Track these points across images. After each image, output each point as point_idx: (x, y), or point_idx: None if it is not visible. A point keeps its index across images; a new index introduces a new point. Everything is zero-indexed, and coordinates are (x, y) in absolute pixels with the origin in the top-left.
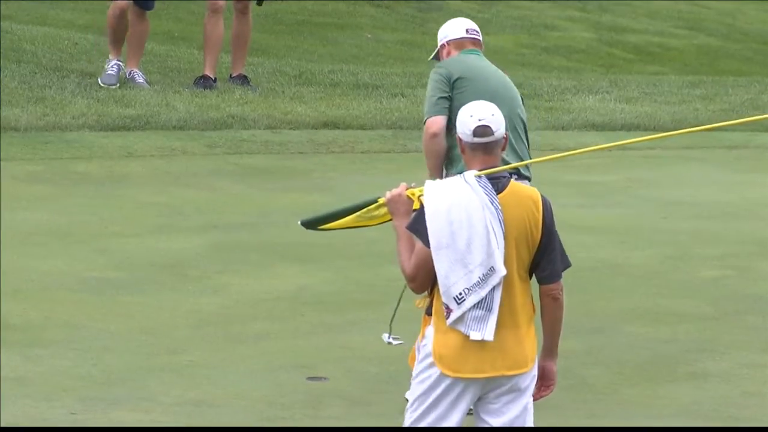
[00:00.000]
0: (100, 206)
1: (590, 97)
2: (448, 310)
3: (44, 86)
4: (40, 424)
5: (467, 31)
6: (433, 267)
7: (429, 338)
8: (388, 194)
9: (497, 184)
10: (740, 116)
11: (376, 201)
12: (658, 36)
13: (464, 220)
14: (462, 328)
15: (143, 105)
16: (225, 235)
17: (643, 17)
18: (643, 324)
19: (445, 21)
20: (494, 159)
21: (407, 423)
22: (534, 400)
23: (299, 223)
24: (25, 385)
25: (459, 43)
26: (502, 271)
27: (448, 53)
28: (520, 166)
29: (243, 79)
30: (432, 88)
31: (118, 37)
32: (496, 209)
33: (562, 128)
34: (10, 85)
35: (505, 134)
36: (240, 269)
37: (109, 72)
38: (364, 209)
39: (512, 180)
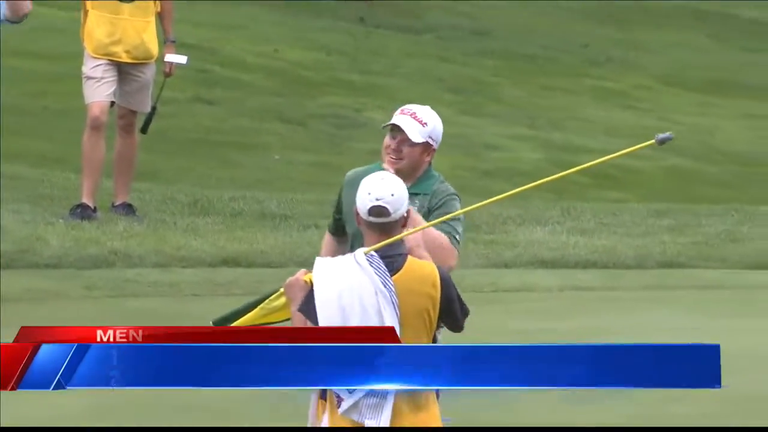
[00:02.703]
0: None
1: (538, 228)
2: (339, 399)
3: None
4: None
5: None
6: None
7: (324, 424)
8: (287, 281)
9: (392, 263)
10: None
11: (277, 290)
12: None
13: (356, 306)
14: (356, 417)
15: (9, 239)
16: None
17: (601, 134)
18: None
19: (366, 138)
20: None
21: None
22: None
23: (211, 323)
24: None
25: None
26: None
27: (430, 159)
28: (415, 232)
29: (127, 208)
30: (461, 221)
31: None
32: (389, 291)
33: (505, 265)
34: None
35: (406, 212)
36: None
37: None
38: (267, 300)
39: (408, 257)
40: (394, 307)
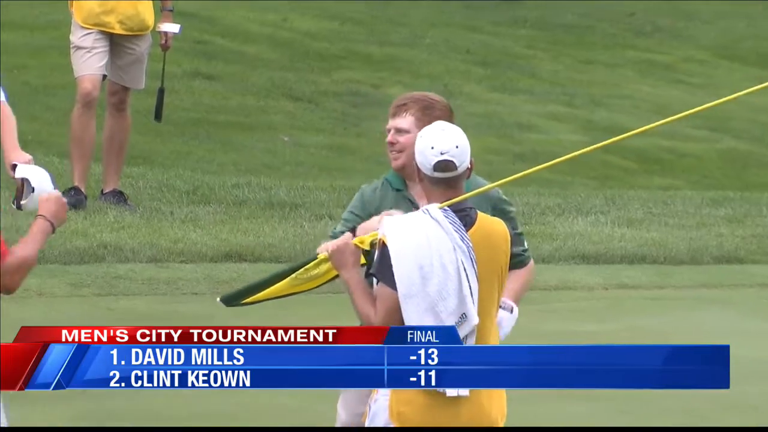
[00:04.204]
0: None
1: (580, 219)
2: None
3: None
4: None
5: None
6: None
7: (383, 394)
8: (331, 246)
9: (465, 217)
10: None
11: (315, 258)
12: (669, 138)
13: (435, 263)
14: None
15: None
16: (97, 406)
17: (648, 113)
18: None
19: (385, 118)
20: (458, 192)
21: None
22: None
23: (218, 300)
24: None
25: None
26: (474, 319)
27: None
28: (486, 190)
29: (118, 196)
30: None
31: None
32: (467, 247)
33: (543, 260)
34: None
35: (470, 163)
36: None
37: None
38: (302, 269)
39: (478, 212)
40: (473, 264)
